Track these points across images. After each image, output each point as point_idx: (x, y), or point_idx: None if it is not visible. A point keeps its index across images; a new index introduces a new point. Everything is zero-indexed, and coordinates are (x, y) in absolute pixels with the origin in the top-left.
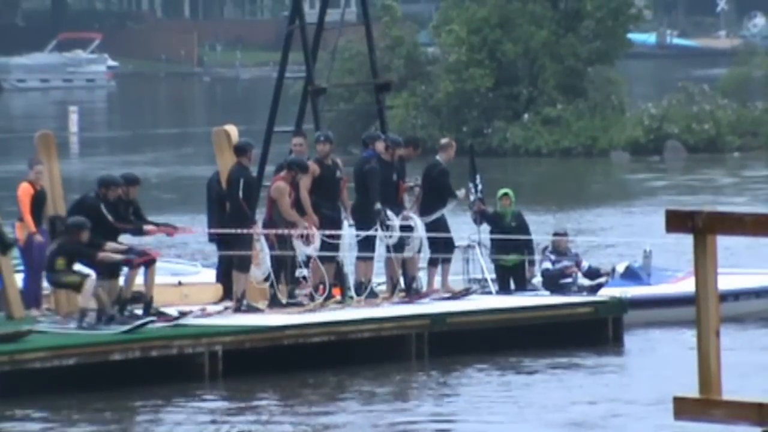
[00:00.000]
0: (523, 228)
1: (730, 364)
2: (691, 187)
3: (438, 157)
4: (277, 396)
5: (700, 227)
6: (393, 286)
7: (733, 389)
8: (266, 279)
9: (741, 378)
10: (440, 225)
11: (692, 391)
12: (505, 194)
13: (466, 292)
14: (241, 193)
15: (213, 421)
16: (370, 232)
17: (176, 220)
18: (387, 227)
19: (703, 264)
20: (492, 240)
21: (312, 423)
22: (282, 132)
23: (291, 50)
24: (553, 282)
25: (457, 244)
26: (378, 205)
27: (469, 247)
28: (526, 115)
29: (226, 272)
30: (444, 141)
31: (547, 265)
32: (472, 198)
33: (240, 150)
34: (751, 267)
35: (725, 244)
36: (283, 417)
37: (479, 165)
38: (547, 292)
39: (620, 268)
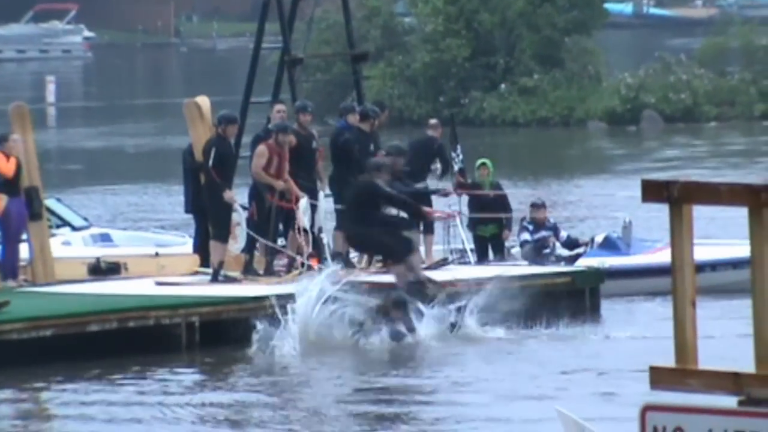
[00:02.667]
0: (501, 198)
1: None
2: (668, 156)
3: (431, 134)
4: (253, 368)
5: (676, 197)
6: (370, 256)
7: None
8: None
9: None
10: (426, 196)
11: (668, 361)
12: (483, 164)
13: (443, 263)
14: (211, 162)
15: (189, 392)
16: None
17: (154, 190)
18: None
19: (679, 234)
20: (469, 211)
21: (287, 396)
22: (258, 103)
23: (267, 21)
24: (532, 253)
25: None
26: (350, 178)
27: (450, 216)
28: (503, 85)
29: (203, 243)
30: (433, 121)
31: (526, 236)
32: (455, 168)
33: (219, 120)
34: (729, 238)
35: (708, 214)
36: (259, 388)
37: (455, 135)
38: (526, 263)
39: (599, 238)
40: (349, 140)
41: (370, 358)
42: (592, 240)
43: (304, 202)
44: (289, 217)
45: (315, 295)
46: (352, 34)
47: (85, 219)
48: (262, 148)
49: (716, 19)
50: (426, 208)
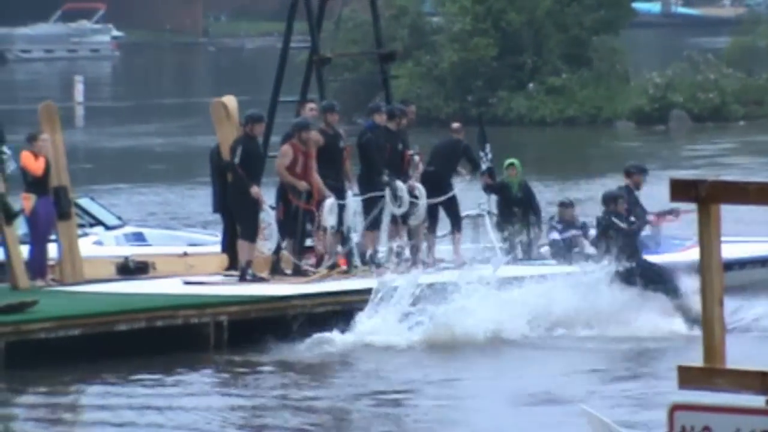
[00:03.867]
0: (530, 198)
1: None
2: (696, 156)
3: (455, 137)
4: (281, 367)
5: (704, 196)
6: (398, 255)
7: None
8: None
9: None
10: (454, 198)
11: (697, 361)
12: (512, 164)
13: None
14: (237, 160)
15: (217, 392)
16: (377, 193)
17: (182, 190)
18: (396, 197)
19: (707, 233)
20: (498, 210)
21: (312, 394)
22: (287, 102)
23: (295, 20)
24: (561, 251)
25: (467, 213)
26: (385, 177)
27: (479, 216)
28: (530, 85)
29: (231, 242)
30: (456, 125)
31: (555, 235)
32: (483, 167)
33: (246, 119)
34: (758, 235)
35: (737, 213)
36: (284, 389)
37: (484, 134)
38: (555, 262)
39: None
40: (371, 139)
41: (407, 360)
42: None
43: (330, 202)
44: (315, 218)
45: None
46: (380, 34)
47: (119, 218)
48: (286, 147)
49: (744, 18)
50: None
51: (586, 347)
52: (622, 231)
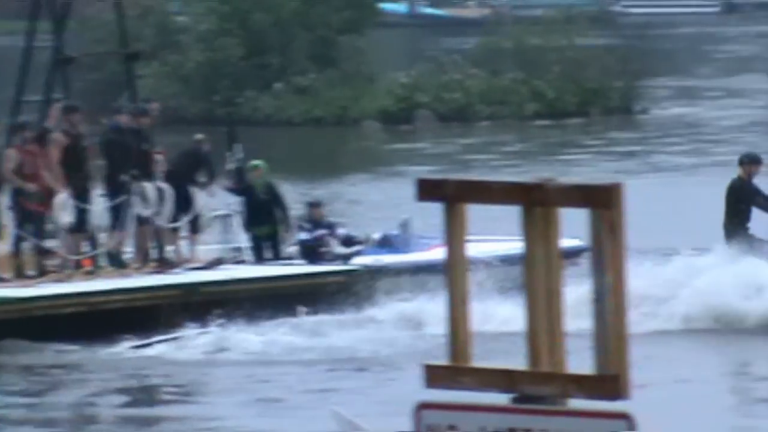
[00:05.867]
0: (276, 199)
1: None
2: (442, 155)
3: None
4: (25, 371)
5: (450, 196)
6: (144, 256)
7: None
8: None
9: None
10: (192, 200)
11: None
12: (256, 166)
13: (218, 262)
14: None
15: None
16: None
17: None
18: (140, 197)
19: (453, 232)
20: (244, 212)
21: (52, 399)
22: (30, 102)
23: (40, 19)
24: (309, 251)
25: (215, 213)
26: (125, 177)
27: (226, 216)
28: (277, 85)
29: None
30: (200, 137)
31: (303, 234)
32: (231, 167)
33: None
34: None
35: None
36: (28, 394)
37: (234, 134)
38: (303, 262)
39: (376, 236)
40: (115, 140)
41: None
42: (369, 238)
43: (60, 198)
44: (43, 219)
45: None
46: (125, 33)
47: None
48: (10, 151)
49: (489, 20)
50: None
51: None
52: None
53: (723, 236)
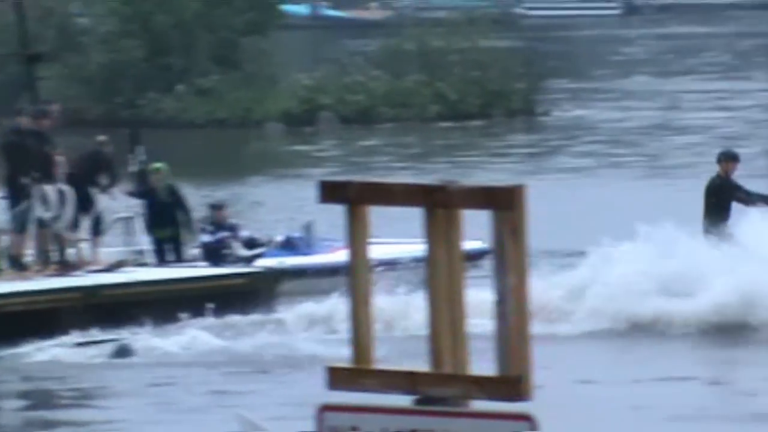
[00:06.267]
0: (178, 201)
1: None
2: (345, 157)
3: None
4: None
5: (352, 197)
6: (45, 259)
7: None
8: None
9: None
10: (94, 203)
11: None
12: (158, 169)
13: (119, 265)
14: None
15: None
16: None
17: None
18: (41, 200)
19: (355, 234)
20: (146, 215)
21: None
22: None
23: None
24: (212, 253)
25: (116, 216)
26: (25, 179)
27: (128, 219)
28: (180, 86)
29: None
30: (102, 138)
31: (205, 236)
32: (134, 169)
33: None
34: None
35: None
36: None
37: (137, 136)
38: (206, 264)
39: (279, 238)
40: (13, 142)
41: None
42: (272, 240)
43: None
44: None
45: None
46: (26, 35)
47: None
48: None
49: (391, 21)
50: None
51: None
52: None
53: (702, 234)
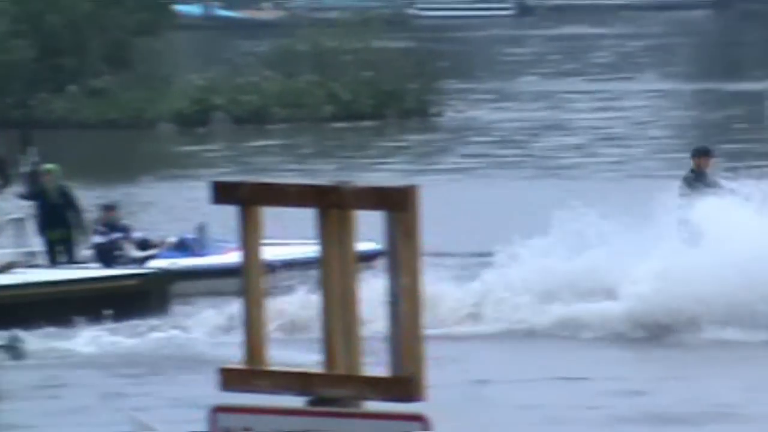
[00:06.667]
0: (70, 202)
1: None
2: (238, 158)
3: None
4: None
5: (245, 198)
6: None
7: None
8: None
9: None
10: None
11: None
12: (48, 170)
13: (10, 266)
14: None
15: None
16: None
17: None
18: None
19: (249, 235)
20: (38, 216)
21: None
22: None
23: None
24: (104, 255)
25: (7, 217)
26: None
27: (19, 220)
28: (71, 87)
29: None
30: None
31: (98, 237)
32: (26, 170)
33: None
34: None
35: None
36: None
37: (28, 137)
38: (98, 265)
39: (172, 240)
40: None
41: None
42: (164, 242)
43: None
44: None
45: None
46: None
47: None
48: None
49: (284, 22)
50: None
51: None
52: None
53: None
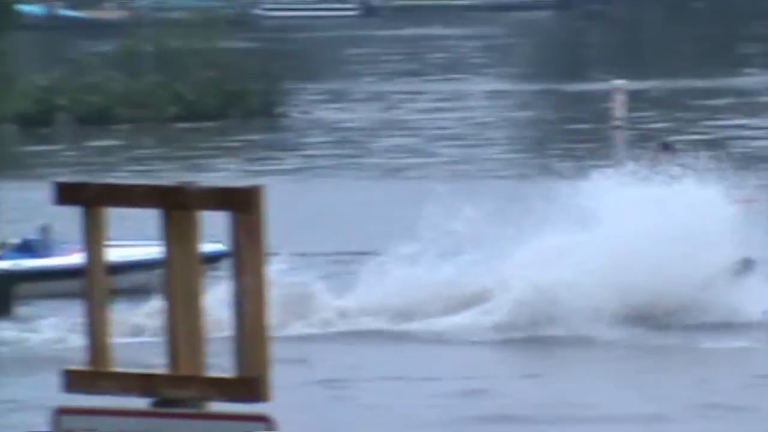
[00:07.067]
0: None
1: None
2: (82, 158)
3: None
4: None
5: (89, 199)
6: None
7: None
8: None
9: None
10: None
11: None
12: None
13: None
14: None
15: None
16: None
17: None
18: None
19: (92, 236)
20: None
21: None
22: None
23: None
24: None
25: None
26: None
27: None
28: None
29: None
30: None
31: None
32: None
33: None
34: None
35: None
36: None
37: None
38: None
39: (14, 241)
40: None
41: None
42: (5, 243)
43: None
44: None
45: None
46: None
47: None
48: None
49: (129, 21)
50: None
51: None
52: None
53: None
